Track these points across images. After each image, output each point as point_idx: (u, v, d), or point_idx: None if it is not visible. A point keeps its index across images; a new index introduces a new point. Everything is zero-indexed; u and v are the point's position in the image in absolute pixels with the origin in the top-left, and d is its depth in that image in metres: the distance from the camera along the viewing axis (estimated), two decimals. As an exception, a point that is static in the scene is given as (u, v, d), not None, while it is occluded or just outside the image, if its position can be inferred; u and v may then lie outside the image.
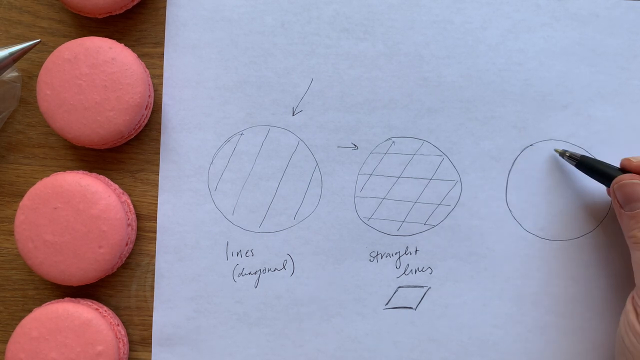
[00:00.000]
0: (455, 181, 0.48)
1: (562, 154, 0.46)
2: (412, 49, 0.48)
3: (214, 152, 0.48)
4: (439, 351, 0.47)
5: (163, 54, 0.48)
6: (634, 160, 0.44)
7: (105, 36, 0.47)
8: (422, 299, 0.48)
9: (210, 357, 0.47)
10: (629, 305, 0.42)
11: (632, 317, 0.41)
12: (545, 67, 0.48)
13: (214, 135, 0.48)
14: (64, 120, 0.44)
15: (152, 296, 0.48)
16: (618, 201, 0.43)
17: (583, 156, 0.45)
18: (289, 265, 0.48)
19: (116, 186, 0.47)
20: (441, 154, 0.48)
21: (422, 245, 0.48)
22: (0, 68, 0.45)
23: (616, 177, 0.43)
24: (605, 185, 0.45)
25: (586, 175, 0.47)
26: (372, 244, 0.48)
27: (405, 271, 0.48)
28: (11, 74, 0.47)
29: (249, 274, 0.48)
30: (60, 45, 0.45)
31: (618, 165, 0.45)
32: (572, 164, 0.46)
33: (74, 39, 0.46)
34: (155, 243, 0.48)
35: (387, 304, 0.48)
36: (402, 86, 0.48)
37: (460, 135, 0.48)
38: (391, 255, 0.48)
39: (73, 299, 0.46)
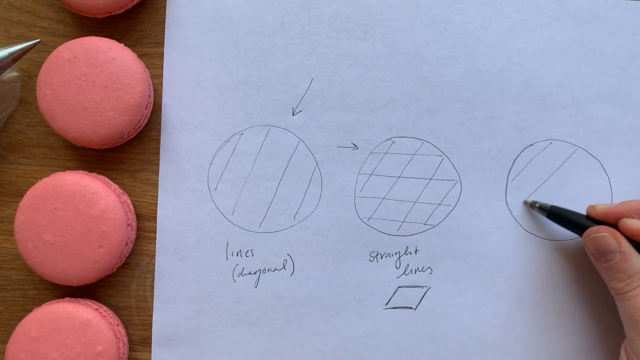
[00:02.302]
0: (455, 181, 0.48)
1: (532, 205, 0.47)
2: (412, 49, 0.48)
3: (213, 152, 0.48)
4: (439, 351, 0.47)
5: (163, 54, 0.48)
6: (598, 208, 0.44)
7: (105, 36, 0.47)
8: (422, 299, 0.48)
9: (210, 357, 0.47)
10: (622, 355, 0.42)
11: None
12: (545, 67, 0.48)
13: (214, 135, 0.48)
14: (64, 120, 0.44)
15: (152, 296, 0.48)
16: (592, 253, 0.43)
17: (553, 206, 0.46)
18: (289, 265, 0.48)
19: (116, 186, 0.47)
20: (441, 154, 0.48)
21: (422, 245, 0.48)
22: (0, 68, 0.45)
23: (586, 227, 0.43)
24: (578, 234, 0.45)
25: (583, 175, 0.47)
26: (372, 244, 0.48)
27: (405, 271, 0.48)
28: (11, 74, 0.47)
29: (249, 274, 0.48)
30: (60, 45, 0.45)
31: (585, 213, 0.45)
32: (543, 215, 0.46)
33: (73, 39, 0.46)
34: (155, 243, 0.48)
35: (387, 304, 0.48)
36: (402, 86, 0.48)
37: (460, 135, 0.48)
38: (391, 255, 0.48)
39: (73, 299, 0.46)
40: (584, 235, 0.43)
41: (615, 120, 0.48)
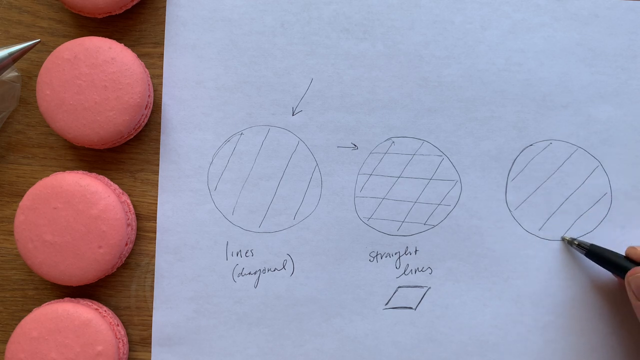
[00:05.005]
0: (455, 181, 0.48)
1: (571, 242, 0.47)
2: (412, 49, 0.48)
3: (213, 152, 0.48)
4: (439, 351, 0.47)
5: (163, 54, 0.48)
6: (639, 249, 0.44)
7: (105, 36, 0.47)
8: (422, 299, 0.48)
9: (210, 357, 0.47)
10: None
11: None
12: (545, 67, 0.48)
13: (214, 135, 0.48)
14: (63, 120, 0.44)
15: (152, 296, 0.48)
16: (634, 293, 0.43)
17: (593, 245, 0.46)
18: (289, 265, 0.48)
19: (116, 186, 0.47)
20: (441, 154, 0.48)
21: (422, 245, 0.48)
22: (0, 68, 0.45)
23: (627, 268, 0.44)
24: (617, 275, 0.45)
25: (585, 175, 0.47)
26: (372, 244, 0.48)
27: (405, 271, 0.48)
28: (11, 74, 0.47)
29: (249, 274, 0.48)
30: (60, 45, 0.45)
31: (623, 253, 0.45)
32: (581, 253, 0.46)
33: (73, 39, 0.46)
34: (155, 243, 0.48)
35: (387, 304, 0.48)
36: (402, 86, 0.48)
37: (460, 135, 0.48)
38: (391, 255, 0.48)
39: (73, 299, 0.46)
40: (629, 273, 0.43)
41: (615, 120, 0.48)
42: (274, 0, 0.48)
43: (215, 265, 0.48)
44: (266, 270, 0.48)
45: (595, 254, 0.45)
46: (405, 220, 0.48)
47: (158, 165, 0.48)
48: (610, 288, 0.47)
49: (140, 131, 0.48)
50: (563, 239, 0.47)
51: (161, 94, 0.48)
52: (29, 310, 0.47)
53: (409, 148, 0.48)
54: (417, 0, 0.48)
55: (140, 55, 0.48)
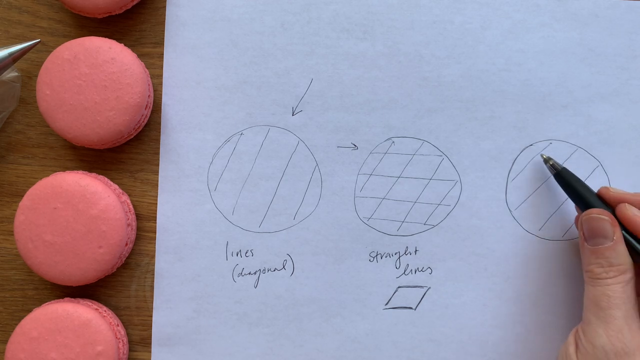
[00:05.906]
0: (455, 181, 0.48)
1: (546, 160, 0.46)
2: (412, 49, 0.48)
3: (213, 152, 0.48)
4: (439, 351, 0.47)
5: (163, 54, 0.48)
6: (612, 191, 0.43)
7: (105, 36, 0.47)
8: (422, 299, 0.48)
9: (210, 357, 0.47)
10: (570, 338, 0.42)
11: (572, 350, 0.41)
12: (545, 67, 0.48)
13: (214, 135, 0.48)
14: (63, 120, 0.44)
15: (152, 296, 0.48)
16: (583, 233, 0.42)
17: (564, 169, 0.45)
18: (289, 265, 0.48)
19: (116, 186, 0.47)
20: (441, 154, 0.48)
21: (421, 245, 0.48)
22: (0, 68, 0.45)
23: (589, 204, 0.43)
24: (578, 206, 0.44)
25: (583, 175, 0.47)
26: (372, 244, 0.48)
27: (405, 271, 0.48)
28: (11, 74, 0.47)
29: (249, 274, 0.48)
30: (60, 45, 0.45)
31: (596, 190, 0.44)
32: (551, 173, 0.46)
33: (73, 39, 0.46)
34: (155, 243, 0.48)
35: (387, 304, 0.48)
36: (402, 86, 0.48)
37: (460, 135, 0.48)
38: (391, 255, 0.48)
39: (73, 299, 0.46)
40: (585, 212, 0.42)
41: (615, 120, 0.48)
42: (274, 0, 0.48)
43: (215, 265, 0.48)
44: (266, 270, 0.48)
45: (564, 178, 0.44)
46: (405, 220, 0.48)
47: (158, 165, 0.48)
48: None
49: (140, 131, 0.48)
50: (541, 156, 0.46)
51: (161, 94, 0.48)
52: (29, 310, 0.47)
53: (409, 148, 0.48)
54: (417, 0, 0.48)
55: (140, 55, 0.48)
